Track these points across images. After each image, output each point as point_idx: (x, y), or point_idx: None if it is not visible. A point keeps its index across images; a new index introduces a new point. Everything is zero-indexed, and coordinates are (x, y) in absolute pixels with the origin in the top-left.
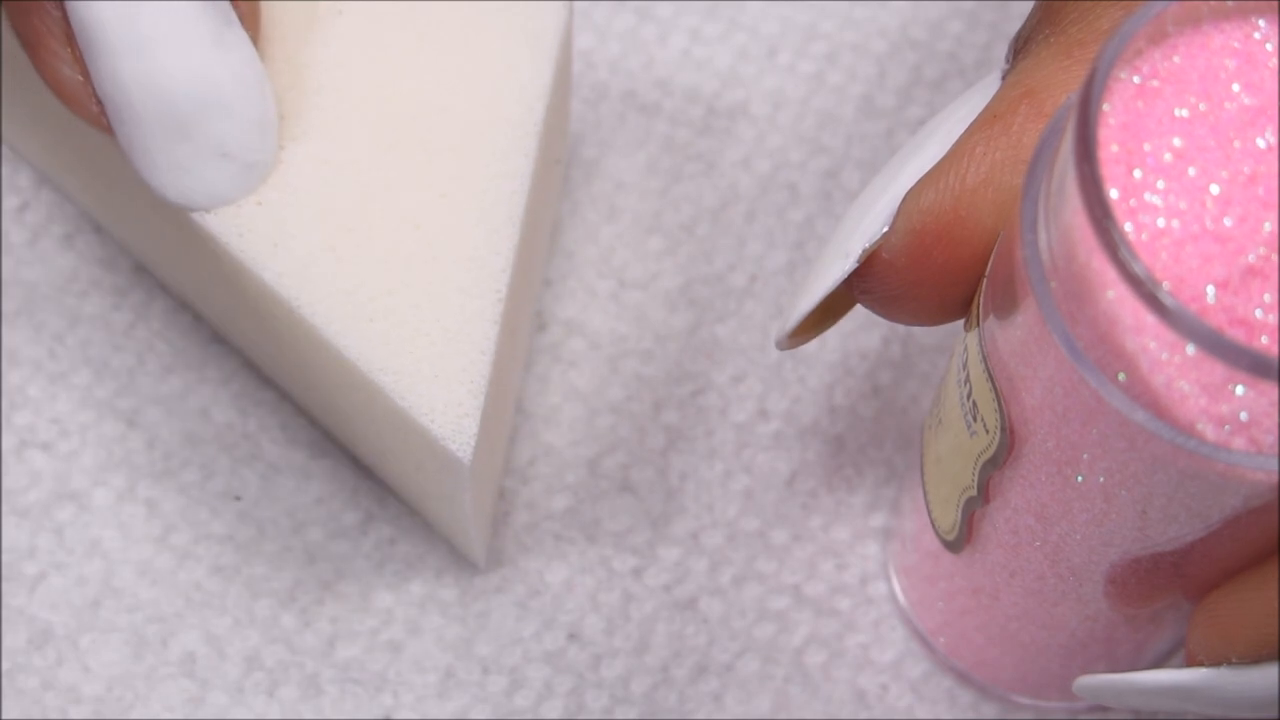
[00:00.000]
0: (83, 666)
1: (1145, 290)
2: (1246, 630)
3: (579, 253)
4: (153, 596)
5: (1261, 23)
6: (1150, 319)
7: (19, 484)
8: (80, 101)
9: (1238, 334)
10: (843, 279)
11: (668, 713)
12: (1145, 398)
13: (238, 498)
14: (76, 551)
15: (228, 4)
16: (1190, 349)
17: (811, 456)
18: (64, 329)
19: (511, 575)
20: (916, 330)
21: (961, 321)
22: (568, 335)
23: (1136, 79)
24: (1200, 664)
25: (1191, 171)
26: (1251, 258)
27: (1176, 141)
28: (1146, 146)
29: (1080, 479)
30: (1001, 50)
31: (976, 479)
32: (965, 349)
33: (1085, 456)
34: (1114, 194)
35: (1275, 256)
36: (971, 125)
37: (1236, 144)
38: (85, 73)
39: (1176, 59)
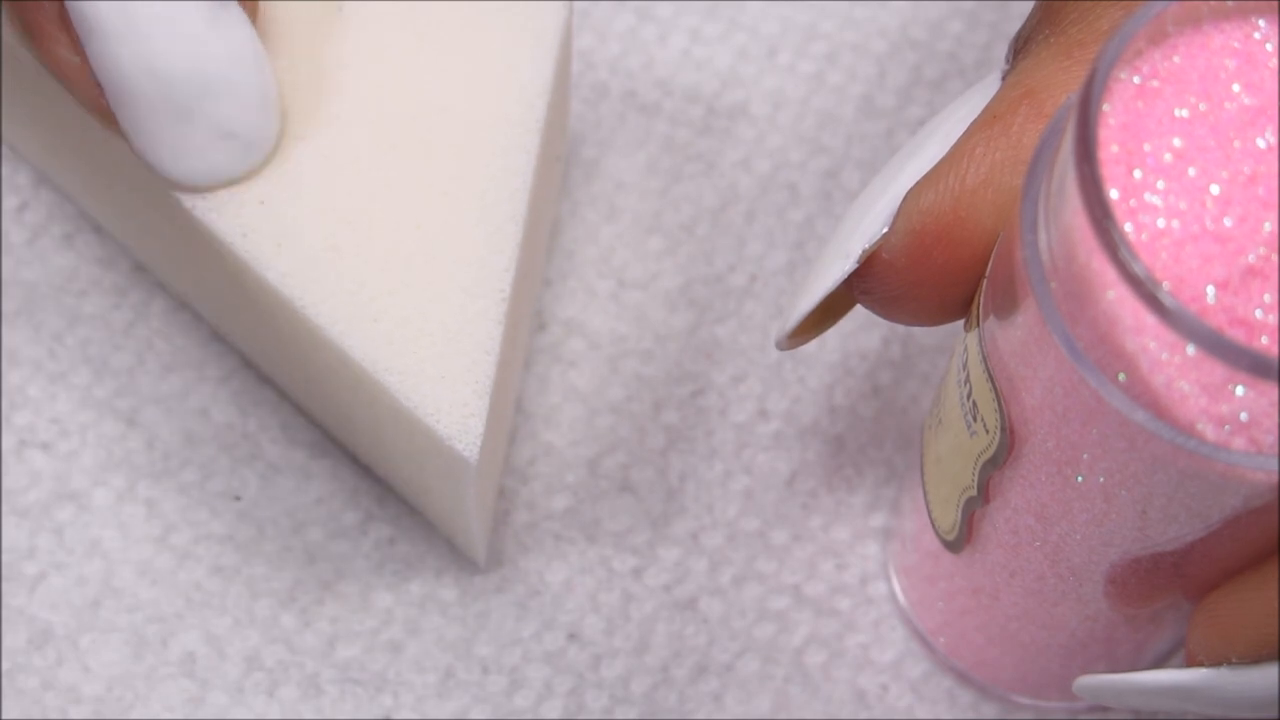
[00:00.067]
0: (83, 666)
1: (1145, 290)
2: (1246, 630)
3: (579, 253)
4: (153, 596)
5: (1261, 23)
6: (1150, 319)
7: (19, 484)
8: (80, 85)
9: (1238, 334)
10: (843, 279)
11: (668, 713)
12: (1145, 398)
13: (238, 498)
14: (76, 551)
15: None
16: (1190, 349)
17: (811, 456)
18: (63, 328)
19: (511, 575)
20: (916, 330)
21: (961, 321)
22: (568, 335)
23: (1136, 79)
24: (1200, 664)
25: (1191, 172)
26: (1251, 258)
27: (1176, 142)
28: (1146, 147)
29: (1080, 479)
30: (1001, 50)
31: (976, 479)
32: (965, 349)
33: (1085, 456)
34: (1114, 194)
35: (1275, 256)
36: (971, 126)
37: (1236, 144)
38: (84, 55)
39: (1176, 59)
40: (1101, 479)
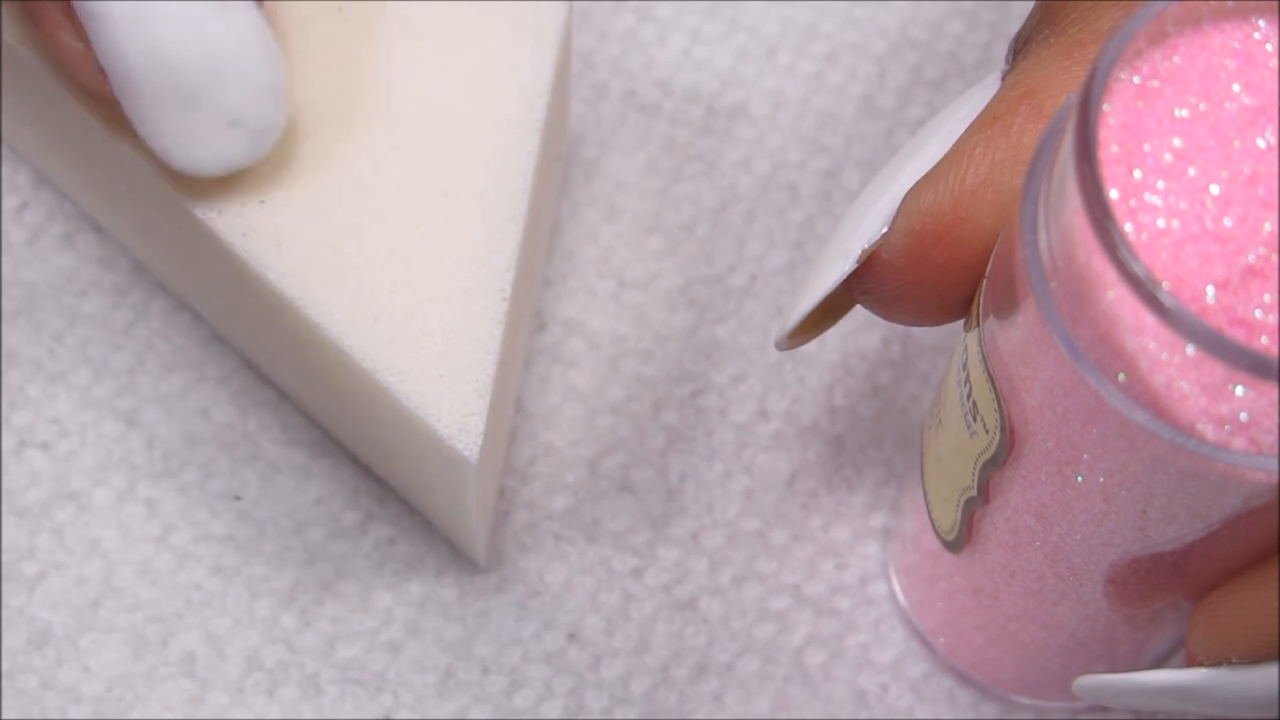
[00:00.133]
0: (83, 666)
1: (1145, 290)
2: (1246, 630)
3: (579, 253)
4: (153, 596)
5: (1261, 23)
6: (1150, 319)
7: (19, 484)
8: (84, 72)
9: (1238, 334)
10: (842, 279)
11: (668, 713)
12: (1145, 398)
13: (238, 498)
14: (76, 551)
15: None
16: (1190, 349)
17: (811, 456)
18: (63, 328)
19: (511, 575)
20: (916, 330)
21: (961, 321)
22: (568, 335)
23: (1136, 79)
24: (1200, 664)
25: (1191, 172)
26: (1251, 258)
27: (1176, 142)
28: (1146, 147)
29: (1080, 479)
30: (1001, 50)
31: (976, 479)
32: (965, 349)
33: (1085, 456)
34: (1114, 194)
35: (1275, 256)
36: (971, 126)
37: (1236, 144)
38: (87, 41)
39: (1176, 59)
40: (1101, 479)
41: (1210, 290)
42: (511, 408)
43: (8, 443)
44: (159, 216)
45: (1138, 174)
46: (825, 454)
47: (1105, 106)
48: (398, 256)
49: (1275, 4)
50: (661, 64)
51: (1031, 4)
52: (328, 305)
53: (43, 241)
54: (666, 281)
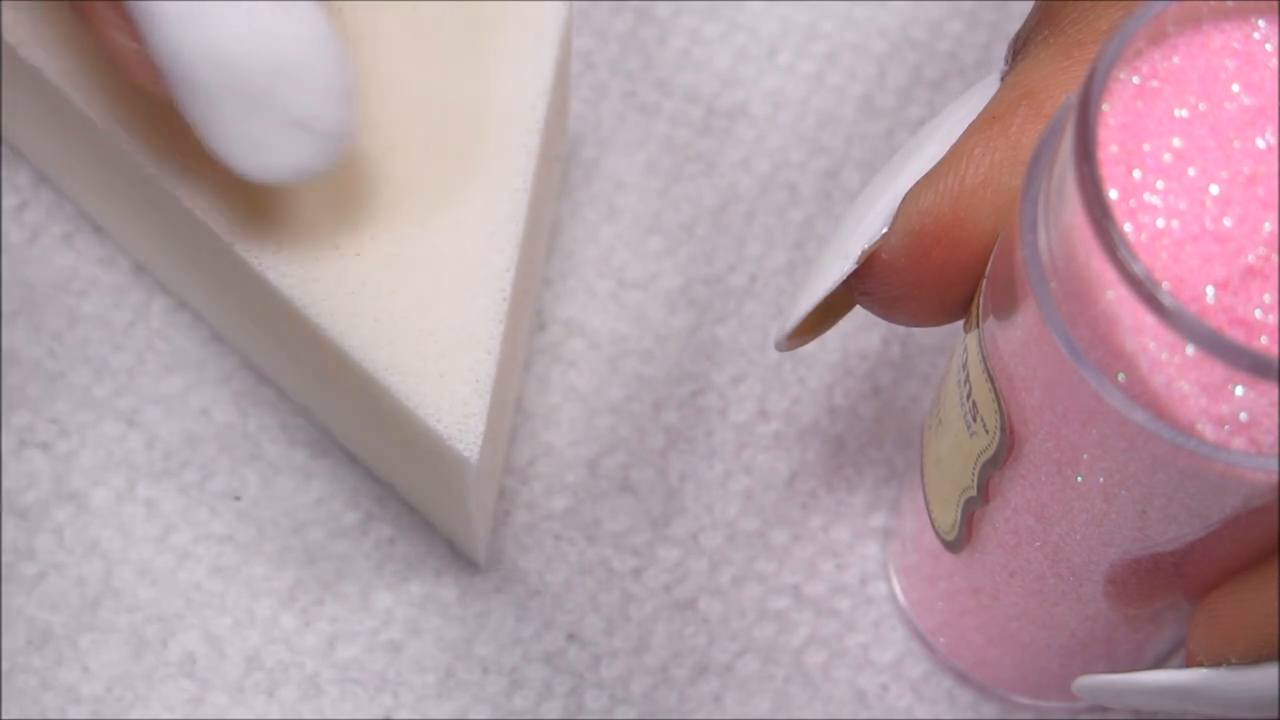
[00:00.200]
0: (82, 667)
1: (1145, 291)
2: (1246, 630)
3: (579, 253)
4: (153, 596)
5: (1261, 23)
6: (1150, 319)
7: (18, 484)
8: (140, 72)
9: (1237, 334)
10: (842, 280)
11: (668, 713)
12: (1145, 398)
13: (238, 498)
14: (76, 552)
15: None
16: (1190, 349)
17: (811, 456)
18: (63, 328)
19: (511, 575)
20: (916, 330)
21: (961, 322)
22: (568, 335)
23: (1136, 79)
24: (1200, 664)
25: (1191, 172)
26: (1251, 258)
27: (1176, 142)
28: (1146, 147)
29: (1080, 479)
30: (1001, 50)
31: (976, 479)
32: (965, 349)
33: (1085, 456)
34: (1113, 194)
35: (1275, 256)
36: (970, 126)
37: (1236, 144)
38: (141, 40)
39: (1176, 59)
40: (1101, 479)
41: (1210, 290)
42: (511, 408)
43: (8, 443)
44: (159, 217)
45: (1137, 174)
46: (825, 454)
47: (1105, 106)
48: (398, 256)
49: (1275, 4)
50: (661, 64)
51: (1031, 4)
52: (328, 305)
53: (43, 241)
54: (666, 281)
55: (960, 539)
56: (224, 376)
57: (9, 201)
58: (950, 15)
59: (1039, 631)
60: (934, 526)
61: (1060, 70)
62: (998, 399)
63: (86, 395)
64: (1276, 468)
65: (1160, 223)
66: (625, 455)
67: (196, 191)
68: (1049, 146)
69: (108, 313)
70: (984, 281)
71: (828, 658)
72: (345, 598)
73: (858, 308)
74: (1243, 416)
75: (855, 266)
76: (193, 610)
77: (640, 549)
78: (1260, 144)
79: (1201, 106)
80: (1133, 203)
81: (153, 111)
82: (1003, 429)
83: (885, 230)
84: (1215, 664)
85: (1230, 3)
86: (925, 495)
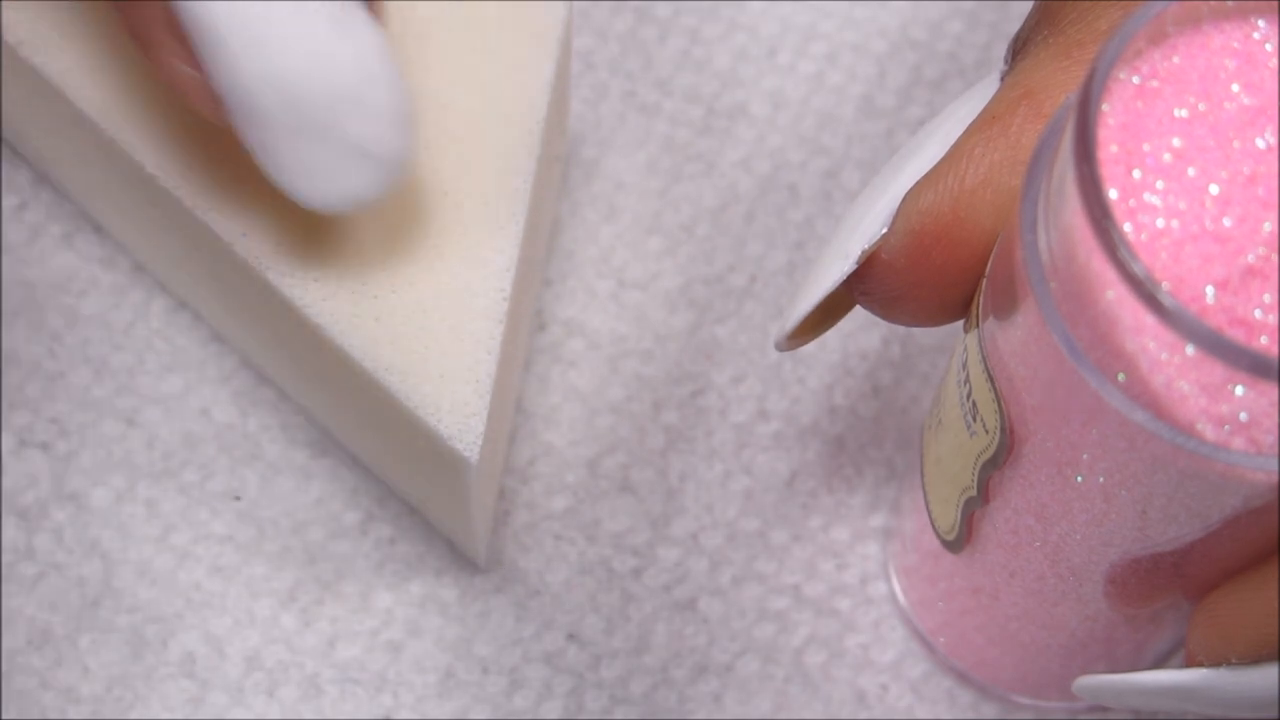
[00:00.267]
0: (82, 667)
1: (1145, 290)
2: (1246, 630)
3: (579, 253)
4: (152, 597)
5: (1261, 23)
6: (1150, 319)
7: (18, 484)
8: (200, 99)
9: (1237, 334)
10: (842, 280)
11: (668, 713)
12: (1145, 398)
13: (238, 498)
14: (76, 552)
15: None
16: (1190, 349)
17: (811, 456)
18: (63, 328)
19: (511, 575)
20: (916, 330)
21: (961, 322)
22: (568, 335)
23: (1136, 79)
24: (1200, 664)
25: (1191, 172)
26: (1251, 258)
27: (1176, 142)
28: (1146, 147)
29: (1080, 479)
30: (1001, 50)
31: (976, 479)
32: (965, 349)
33: (1085, 456)
34: (1113, 194)
35: (1275, 256)
36: (970, 126)
37: (1236, 144)
38: (199, 66)
39: (1176, 59)
40: (1101, 479)
41: (1210, 290)
42: (511, 408)
43: (8, 443)
44: (158, 216)
45: (1137, 174)
46: (825, 454)
47: (1104, 106)
48: (399, 256)
49: (1275, 4)
50: (661, 64)
51: (1031, 4)
52: (328, 305)
53: (43, 241)
54: (666, 281)
55: (960, 539)
56: (224, 376)
57: (9, 201)
58: (950, 15)
59: (1039, 631)
60: (934, 526)
61: (1060, 70)
62: (998, 399)
63: (86, 395)
64: (1276, 468)
65: (1160, 223)
66: (625, 455)
67: (196, 191)
68: (1049, 146)
69: (108, 313)
70: (984, 281)
71: (828, 658)
72: (345, 598)
73: (858, 308)
74: (1243, 416)
75: (855, 266)
76: (193, 610)
77: (640, 549)
78: (1260, 144)
79: (1201, 106)
80: (1132, 203)
81: (153, 112)
82: (1003, 429)
83: (885, 230)
84: (1215, 664)
85: (1230, 3)
86: (925, 495)
